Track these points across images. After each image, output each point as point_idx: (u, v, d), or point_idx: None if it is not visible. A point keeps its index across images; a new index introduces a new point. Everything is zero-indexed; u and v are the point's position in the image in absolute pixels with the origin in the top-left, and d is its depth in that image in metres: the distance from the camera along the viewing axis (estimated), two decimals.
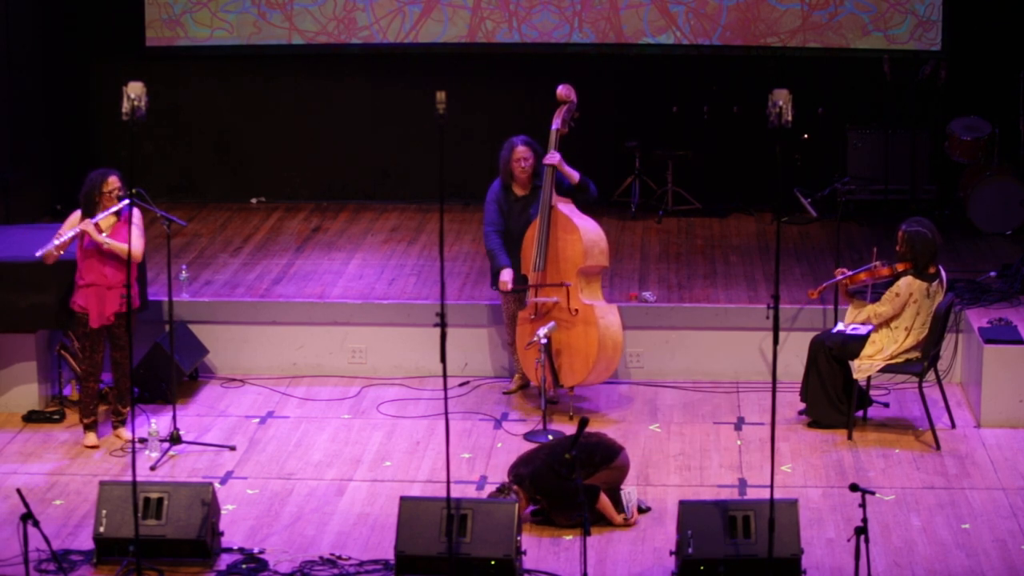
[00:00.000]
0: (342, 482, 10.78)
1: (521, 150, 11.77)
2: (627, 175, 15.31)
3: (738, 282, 13.13)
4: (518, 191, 11.87)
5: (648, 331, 12.47)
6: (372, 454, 11.24)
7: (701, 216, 15.07)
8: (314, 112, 15.73)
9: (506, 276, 11.77)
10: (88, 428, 11.35)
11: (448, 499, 9.11)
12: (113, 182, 11.01)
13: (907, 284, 11.14)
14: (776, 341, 8.66)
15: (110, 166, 11.28)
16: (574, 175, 11.79)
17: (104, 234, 11.01)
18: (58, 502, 10.47)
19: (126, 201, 11.00)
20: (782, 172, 14.56)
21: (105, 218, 11.00)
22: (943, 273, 11.30)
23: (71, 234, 10.95)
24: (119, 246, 10.97)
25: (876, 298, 11.40)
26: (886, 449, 11.20)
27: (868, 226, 14.30)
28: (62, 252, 11.01)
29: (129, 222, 10.58)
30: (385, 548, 9.72)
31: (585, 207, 11.88)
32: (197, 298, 12.78)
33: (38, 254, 11.01)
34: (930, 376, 11.36)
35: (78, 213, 11.09)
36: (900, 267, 11.26)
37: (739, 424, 11.68)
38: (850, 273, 11.49)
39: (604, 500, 9.98)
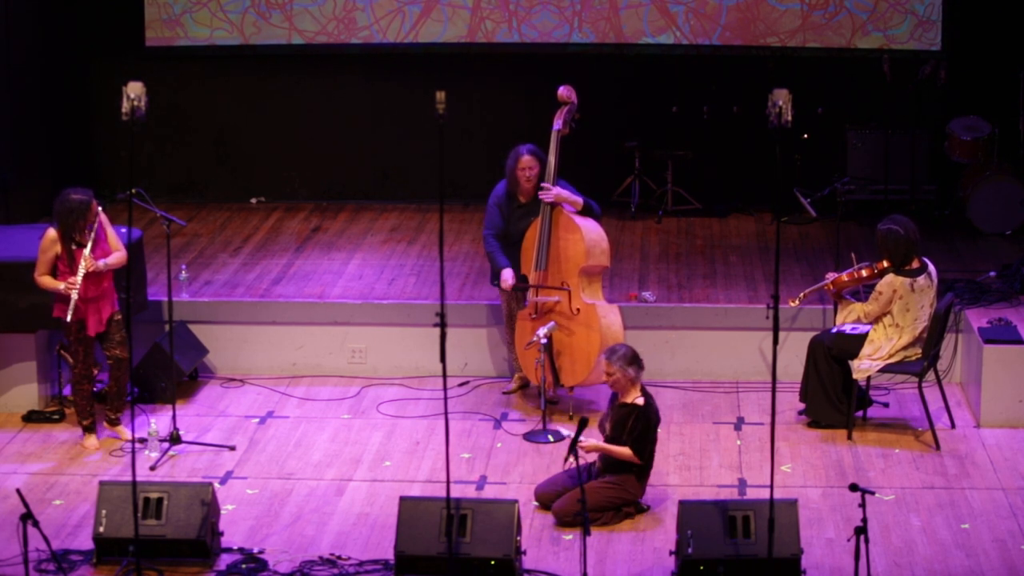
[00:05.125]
0: (342, 482, 10.78)
1: (526, 160, 11.74)
2: (627, 175, 15.31)
3: (738, 282, 13.13)
4: (522, 198, 11.86)
5: (648, 331, 12.46)
6: (372, 454, 11.24)
7: (701, 216, 15.06)
8: (314, 112, 15.73)
9: (507, 275, 11.77)
10: (87, 430, 11.35)
11: (448, 499, 9.11)
12: (94, 207, 10.96)
13: (888, 283, 11.17)
14: (776, 341, 8.66)
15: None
16: (578, 200, 11.74)
17: (87, 252, 10.95)
18: (58, 502, 10.47)
19: (99, 210, 11.00)
20: (782, 172, 14.56)
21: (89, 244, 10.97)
22: (931, 266, 11.30)
23: (80, 279, 10.86)
24: (118, 260, 10.99)
25: (868, 298, 11.44)
26: (886, 449, 11.20)
27: (868, 226, 14.31)
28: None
29: (129, 225, 10.57)
30: (385, 548, 9.72)
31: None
32: (197, 298, 12.78)
33: (69, 319, 10.91)
34: (930, 376, 11.36)
35: (53, 234, 10.99)
36: (880, 266, 11.29)
37: (739, 424, 11.68)
38: (833, 277, 11.51)
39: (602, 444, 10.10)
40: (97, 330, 11.12)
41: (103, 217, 11.10)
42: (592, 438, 10.22)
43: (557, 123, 11.85)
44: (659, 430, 11.45)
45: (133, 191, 9.92)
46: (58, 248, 10.98)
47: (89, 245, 10.92)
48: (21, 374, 11.94)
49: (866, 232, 14.11)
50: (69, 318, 10.87)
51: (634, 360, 10.19)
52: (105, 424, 11.45)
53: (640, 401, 10.15)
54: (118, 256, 11.04)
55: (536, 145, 11.83)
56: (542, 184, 11.70)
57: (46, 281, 11.02)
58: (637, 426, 10.08)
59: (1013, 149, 14.68)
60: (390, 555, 9.54)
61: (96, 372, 11.41)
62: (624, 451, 10.07)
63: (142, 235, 12.74)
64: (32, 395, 11.94)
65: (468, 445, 11.36)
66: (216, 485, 10.22)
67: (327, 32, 15.43)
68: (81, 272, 10.87)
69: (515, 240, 11.87)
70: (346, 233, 14.69)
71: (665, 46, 15.26)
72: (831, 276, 11.56)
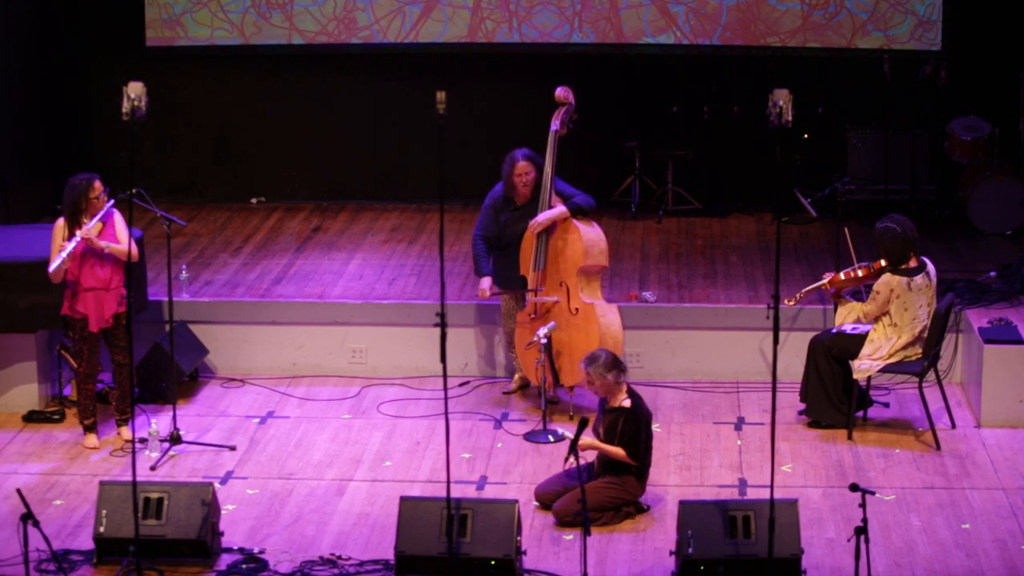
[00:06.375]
0: (342, 482, 10.78)
1: (522, 166, 11.75)
2: (627, 175, 15.31)
3: (738, 282, 13.13)
4: (518, 201, 11.87)
5: (648, 331, 12.47)
6: (372, 454, 11.24)
7: (701, 216, 15.07)
8: (314, 112, 15.73)
9: (485, 284, 11.81)
10: (88, 429, 11.35)
11: (448, 499, 9.11)
12: (98, 187, 10.99)
13: (885, 282, 11.18)
14: (776, 341, 8.67)
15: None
16: (562, 211, 11.68)
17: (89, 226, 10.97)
18: (58, 502, 10.47)
19: (111, 203, 11.02)
20: (782, 172, 14.56)
21: (95, 225, 10.96)
22: (930, 265, 11.31)
23: (74, 244, 10.89)
24: (120, 248, 10.98)
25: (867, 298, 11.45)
26: (886, 449, 11.21)
27: (868, 226, 14.31)
28: (69, 262, 10.96)
29: (129, 225, 10.57)
30: (385, 548, 9.72)
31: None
32: (197, 298, 12.78)
33: (52, 268, 10.92)
34: (930, 376, 11.36)
35: (61, 221, 11.03)
36: (877, 265, 11.30)
37: (739, 424, 11.69)
38: (830, 276, 11.52)
39: (596, 443, 10.09)
40: (100, 326, 11.11)
41: (116, 212, 11.09)
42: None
43: (555, 124, 11.85)
44: (659, 430, 11.46)
45: (133, 191, 9.93)
46: (66, 234, 11.00)
47: (92, 223, 10.91)
48: (21, 374, 11.94)
49: (866, 232, 14.09)
50: (51, 268, 10.84)
51: (613, 365, 10.17)
52: (116, 426, 11.46)
53: (627, 403, 10.16)
54: (122, 246, 10.99)
55: (532, 149, 11.83)
56: (530, 222, 11.69)
57: (56, 236, 11.02)
58: (627, 429, 10.09)
59: (1013, 149, 14.68)
60: (390, 555, 9.54)
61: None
62: (618, 451, 10.08)
63: (142, 235, 12.72)
64: (32, 395, 11.94)
65: (468, 445, 11.36)
66: (216, 485, 10.23)
67: (327, 32, 15.43)
68: (75, 241, 10.86)
69: (513, 242, 11.87)
70: (346, 233, 14.69)
71: (665, 46, 15.26)
72: (828, 276, 11.57)
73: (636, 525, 10.10)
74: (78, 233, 10.89)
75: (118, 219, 11.12)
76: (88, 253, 10.99)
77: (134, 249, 11.05)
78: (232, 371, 12.71)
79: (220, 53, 15.55)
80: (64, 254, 10.86)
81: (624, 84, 15.47)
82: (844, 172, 15.01)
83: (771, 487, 8.85)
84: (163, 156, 15.76)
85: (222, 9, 15.43)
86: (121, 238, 11.08)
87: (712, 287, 13.02)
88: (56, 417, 11.81)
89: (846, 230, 11.69)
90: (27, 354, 11.92)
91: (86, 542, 9.79)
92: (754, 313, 12.40)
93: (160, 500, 9.61)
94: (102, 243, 10.96)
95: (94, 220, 10.94)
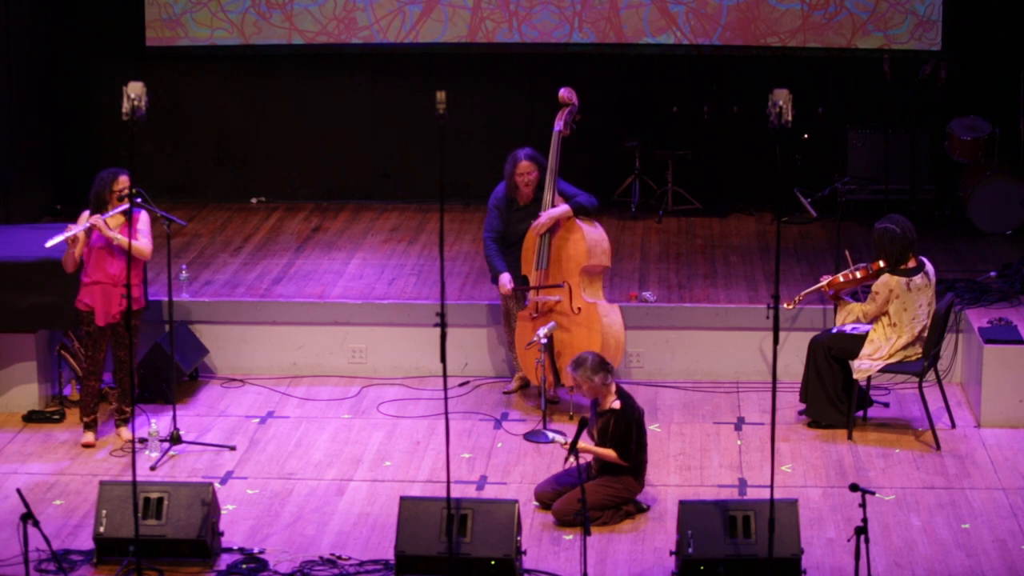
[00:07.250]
0: (342, 482, 10.78)
1: (524, 165, 11.74)
2: (627, 175, 15.31)
3: (738, 282, 13.13)
4: (521, 202, 11.87)
5: (648, 331, 12.47)
6: (372, 454, 11.24)
7: (701, 216, 15.07)
8: (314, 112, 15.72)
9: (504, 279, 11.78)
10: (88, 427, 11.36)
11: (448, 499, 9.11)
12: (124, 181, 11.01)
13: (883, 283, 11.18)
14: (776, 341, 8.66)
15: (110, 166, 11.27)
16: (566, 210, 11.69)
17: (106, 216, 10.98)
18: (58, 502, 10.47)
19: (137, 201, 11.02)
20: (782, 172, 14.56)
21: (114, 216, 10.98)
22: (928, 265, 11.30)
23: (82, 228, 10.91)
24: (124, 240, 10.96)
25: (866, 298, 11.44)
26: (886, 449, 11.21)
27: (868, 226, 14.31)
28: (75, 247, 10.95)
29: (130, 224, 10.56)
30: (385, 548, 9.73)
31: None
32: (197, 298, 12.78)
33: (48, 245, 10.93)
34: (930, 376, 11.36)
35: (86, 213, 11.07)
36: (875, 266, 11.30)
37: (739, 424, 11.69)
38: (828, 279, 11.52)
39: (592, 447, 10.11)
40: (107, 320, 11.10)
41: (144, 221, 11.08)
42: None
43: (558, 124, 11.85)
44: (659, 430, 11.46)
45: (133, 191, 9.93)
46: (85, 220, 11.02)
47: (108, 214, 10.92)
48: (21, 374, 11.94)
49: (866, 232, 14.10)
50: (51, 243, 10.85)
51: (600, 367, 10.16)
52: (115, 427, 11.46)
53: (616, 405, 10.15)
54: (128, 241, 10.93)
55: (534, 149, 11.83)
56: (532, 224, 11.70)
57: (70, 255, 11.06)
58: (617, 430, 10.08)
59: (1013, 149, 14.68)
60: (390, 555, 9.54)
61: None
62: (609, 453, 10.08)
63: None
64: (32, 395, 11.94)
65: (468, 445, 11.36)
66: (216, 485, 10.23)
67: (327, 32, 15.43)
68: (83, 225, 10.87)
69: (515, 241, 11.88)
70: (346, 233, 14.69)
71: (665, 46, 15.26)
72: (826, 279, 11.57)
73: (636, 525, 10.10)
74: (89, 219, 10.91)
75: (143, 217, 11.12)
76: (101, 247, 10.99)
77: (147, 248, 11.02)
78: (232, 371, 12.71)
79: (220, 53, 15.55)
80: (67, 233, 10.88)
81: (624, 84, 15.47)
82: (844, 172, 15.01)
83: (771, 487, 8.85)
84: (163, 156, 15.77)
85: (222, 9, 15.43)
86: (136, 236, 11.04)
87: (712, 287, 13.02)
88: (56, 417, 11.81)
89: (847, 253, 11.67)
90: (27, 354, 11.92)
91: (86, 542, 9.79)
92: (754, 313, 12.40)
93: (160, 500, 9.61)
94: (110, 232, 10.96)
95: (112, 212, 10.95)
